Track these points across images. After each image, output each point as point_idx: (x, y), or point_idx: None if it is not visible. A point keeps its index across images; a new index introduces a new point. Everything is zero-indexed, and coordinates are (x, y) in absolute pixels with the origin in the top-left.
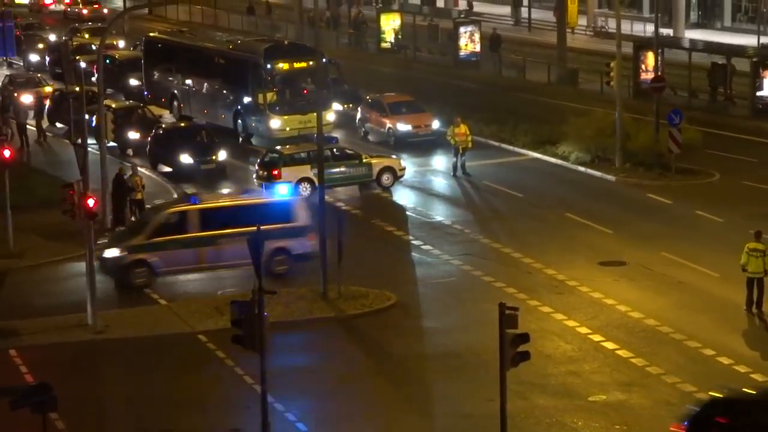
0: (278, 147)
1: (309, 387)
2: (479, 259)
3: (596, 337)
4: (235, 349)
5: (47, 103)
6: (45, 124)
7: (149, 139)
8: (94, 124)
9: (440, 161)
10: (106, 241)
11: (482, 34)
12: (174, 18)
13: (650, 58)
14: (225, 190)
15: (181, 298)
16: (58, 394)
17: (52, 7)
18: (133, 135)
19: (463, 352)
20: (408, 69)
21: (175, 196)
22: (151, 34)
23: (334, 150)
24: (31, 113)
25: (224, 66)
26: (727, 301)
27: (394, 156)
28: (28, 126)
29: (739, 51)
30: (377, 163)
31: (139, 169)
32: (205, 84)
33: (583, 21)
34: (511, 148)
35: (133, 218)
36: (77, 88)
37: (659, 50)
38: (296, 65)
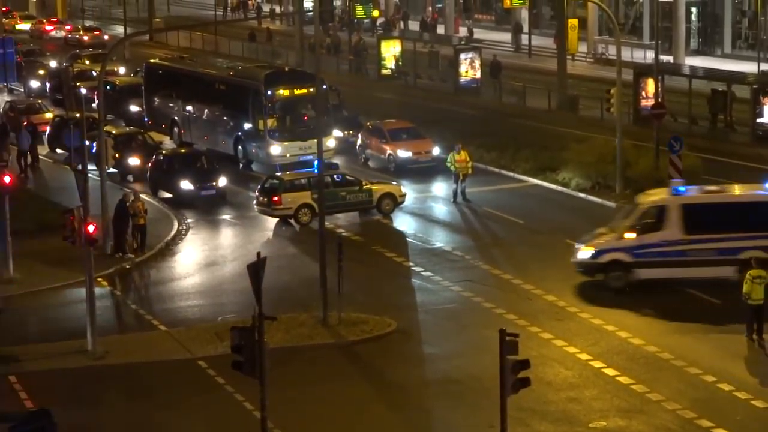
0: (278, 173)
1: (309, 413)
2: (480, 285)
3: (597, 364)
4: (236, 375)
5: (47, 129)
6: (45, 150)
7: (149, 165)
8: (94, 150)
9: (440, 187)
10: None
11: (483, 61)
12: (175, 44)
13: (650, 85)
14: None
15: (181, 324)
16: (57, 420)
17: (53, 33)
18: (134, 161)
19: (464, 378)
20: (408, 95)
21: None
22: (152, 61)
23: (335, 176)
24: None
25: (225, 92)
26: (728, 327)
27: (394, 182)
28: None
29: (739, 78)
30: (377, 189)
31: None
32: (206, 110)
33: (583, 48)
34: (511, 174)
35: (135, 244)
36: (78, 114)
37: (659, 77)
38: (296, 92)
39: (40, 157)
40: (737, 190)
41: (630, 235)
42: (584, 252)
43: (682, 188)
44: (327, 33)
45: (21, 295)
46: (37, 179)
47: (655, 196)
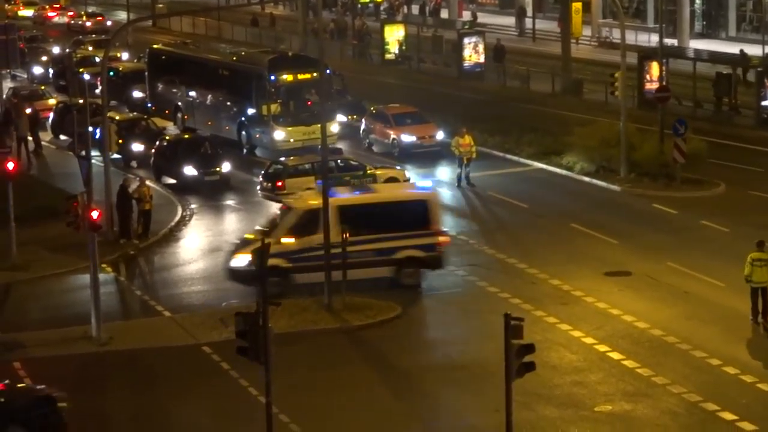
0: (282, 158)
1: (313, 398)
2: (484, 269)
3: (602, 348)
4: (240, 360)
5: (50, 115)
6: (48, 136)
7: (153, 150)
8: (97, 136)
9: (445, 172)
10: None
11: (486, 45)
12: (178, 30)
13: (655, 68)
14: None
15: (185, 309)
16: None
17: (56, 19)
18: (137, 147)
19: (469, 363)
20: (412, 80)
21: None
22: (155, 46)
23: (339, 161)
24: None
25: (228, 78)
26: (733, 310)
27: (398, 167)
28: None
29: (743, 61)
30: (382, 174)
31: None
32: (209, 96)
33: (587, 31)
34: (515, 158)
35: (139, 230)
36: (81, 100)
37: (664, 60)
38: (300, 77)
39: (42, 143)
40: (391, 189)
41: (288, 240)
42: (240, 259)
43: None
44: (331, 18)
45: (25, 281)
46: (40, 166)
47: (312, 199)
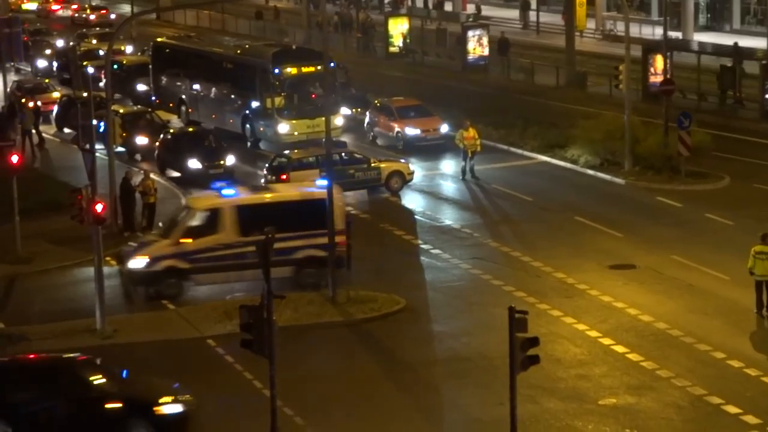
0: (287, 151)
1: (318, 391)
2: (488, 262)
3: (606, 341)
4: (245, 353)
5: (54, 108)
6: (53, 129)
7: (157, 143)
8: (102, 129)
9: (449, 165)
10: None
11: (490, 38)
12: (182, 23)
13: (659, 61)
14: None
15: (189, 302)
16: None
17: (60, 12)
18: (141, 140)
19: (473, 356)
20: (416, 73)
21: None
22: (159, 39)
23: (343, 154)
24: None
25: (232, 71)
26: (738, 304)
27: (402, 160)
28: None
29: (748, 53)
30: (386, 167)
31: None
32: (214, 89)
33: (591, 24)
34: (519, 151)
35: (143, 223)
36: (85, 94)
37: (668, 53)
38: (304, 70)
39: (47, 136)
40: (289, 189)
41: (186, 240)
42: (138, 261)
43: (229, 190)
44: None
45: (29, 274)
46: (43, 159)
47: (209, 199)
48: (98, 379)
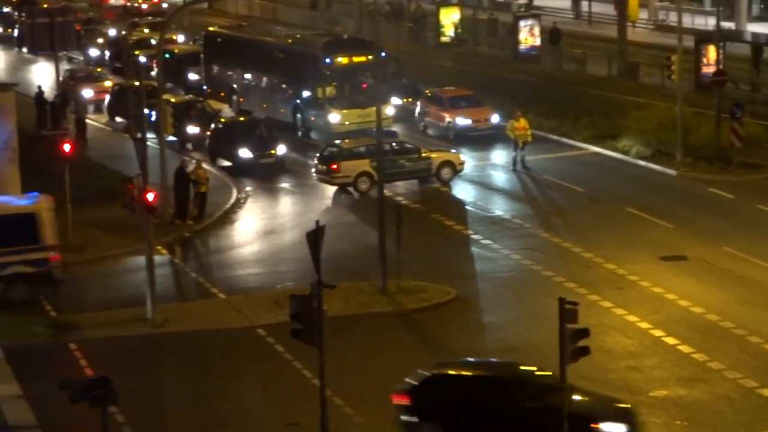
0: (337, 141)
1: (367, 381)
2: (539, 253)
3: (657, 333)
4: (294, 343)
5: (106, 97)
6: (105, 118)
7: (208, 133)
8: (153, 119)
9: (500, 155)
10: None
11: (542, 28)
12: (233, 12)
13: (712, 52)
14: None
15: (240, 292)
16: (117, 387)
17: (112, 1)
18: (193, 129)
19: (523, 346)
20: (467, 63)
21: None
22: (211, 29)
23: (394, 144)
24: (92, 108)
25: (283, 60)
26: None
27: (453, 150)
28: (87, 120)
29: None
30: (436, 157)
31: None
32: (264, 78)
33: (644, 14)
34: (571, 142)
35: (195, 212)
36: (137, 83)
37: (721, 43)
38: (355, 59)
39: (97, 125)
40: None
41: None
42: None
43: None
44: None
45: (81, 262)
46: (96, 148)
47: None
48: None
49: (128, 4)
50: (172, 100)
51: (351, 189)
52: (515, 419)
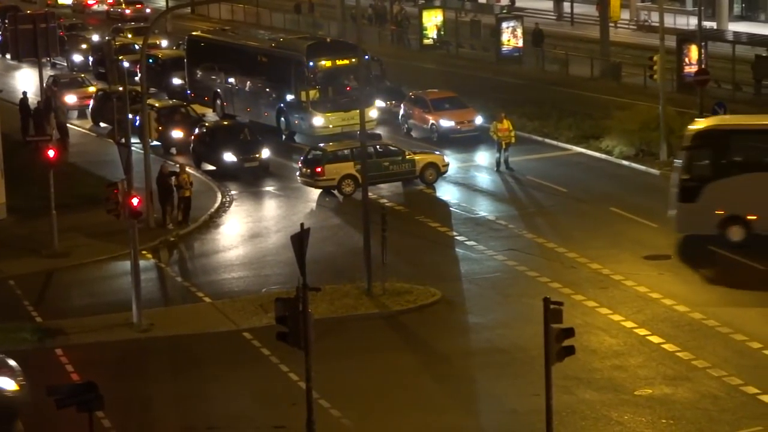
0: (321, 144)
1: (354, 383)
2: (524, 254)
3: (642, 331)
4: (281, 346)
5: (90, 102)
6: (89, 124)
7: (192, 137)
8: (137, 124)
9: (483, 157)
10: None
11: (525, 30)
12: (216, 17)
13: (694, 51)
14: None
15: (225, 295)
16: (103, 392)
17: (95, 7)
18: (177, 134)
19: (508, 347)
20: (450, 65)
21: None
22: (194, 33)
23: (378, 147)
24: (75, 113)
25: (267, 64)
26: None
27: (437, 152)
28: (70, 126)
29: None
30: (420, 159)
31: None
32: (248, 82)
33: (625, 15)
34: (554, 142)
35: (179, 216)
36: (120, 88)
37: (703, 43)
38: (339, 62)
39: (82, 131)
40: None
41: None
42: None
43: None
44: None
45: (66, 268)
46: (80, 154)
47: None
48: None
49: (111, 9)
50: (156, 104)
51: (335, 192)
52: None
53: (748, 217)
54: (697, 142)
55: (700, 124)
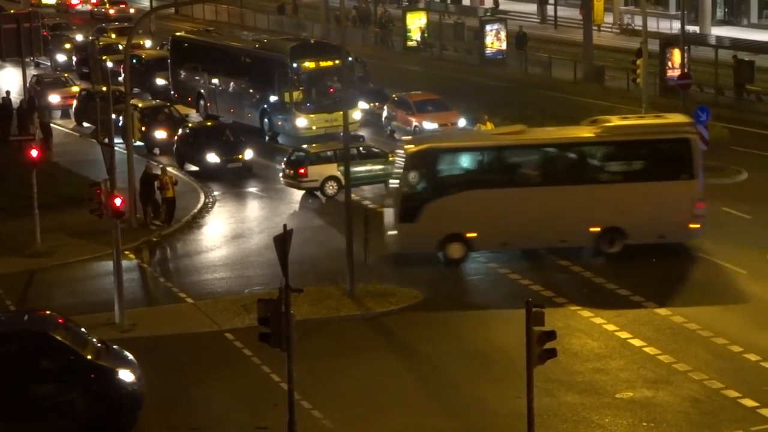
0: (305, 146)
1: (336, 385)
2: (506, 257)
3: (623, 335)
4: (263, 347)
5: (73, 102)
6: (72, 123)
7: (176, 138)
8: (120, 124)
9: None
10: None
11: (508, 32)
12: (200, 17)
13: (677, 55)
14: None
15: (208, 296)
16: None
17: (79, 7)
18: (160, 134)
19: (491, 350)
20: (434, 67)
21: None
22: (178, 34)
23: (361, 148)
24: (59, 113)
25: (251, 65)
26: (754, 297)
27: None
28: (53, 125)
29: (765, 48)
30: None
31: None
32: (232, 83)
33: (609, 18)
34: None
35: (162, 216)
36: (104, 88)
37: (686, 47)
38: (322, 64)
39: (65, 131)
40: None
41: None
42: None
43: None
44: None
45: (49, 267)
46: (63, 154)
47: None
48: None
49: (95, 9)
50: (140, 105)
51: (318, 193)
52: None
53: (468, 235)
54: (413, 162)
55: (414, 145)
